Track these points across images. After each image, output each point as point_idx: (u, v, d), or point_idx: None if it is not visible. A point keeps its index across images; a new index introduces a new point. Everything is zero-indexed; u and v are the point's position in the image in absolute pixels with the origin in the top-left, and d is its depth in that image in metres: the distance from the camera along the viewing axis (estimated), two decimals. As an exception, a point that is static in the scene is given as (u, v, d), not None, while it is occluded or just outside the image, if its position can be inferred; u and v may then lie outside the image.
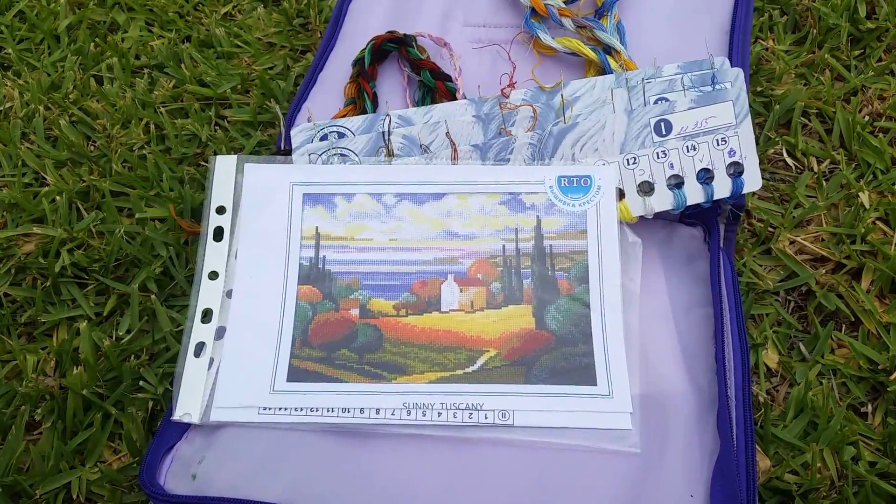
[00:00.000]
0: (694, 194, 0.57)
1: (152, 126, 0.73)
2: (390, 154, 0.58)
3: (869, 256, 0.60)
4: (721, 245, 0.59)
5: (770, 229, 0.62)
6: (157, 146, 0.71)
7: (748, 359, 0.52)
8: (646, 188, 0.57)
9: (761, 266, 0.61)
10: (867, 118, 0.69)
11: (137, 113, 0.74)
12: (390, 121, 0.59)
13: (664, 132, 0.57)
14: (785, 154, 0.67)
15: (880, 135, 0.68)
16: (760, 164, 0.66)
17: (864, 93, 0.71)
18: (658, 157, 0.57)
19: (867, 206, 0.63)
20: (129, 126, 0.73)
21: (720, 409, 0.49)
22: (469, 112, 0.59)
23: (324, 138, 0.59)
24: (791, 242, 0.62)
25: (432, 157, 0.58)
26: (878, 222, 0.62)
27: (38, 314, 0.61)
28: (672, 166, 0.57)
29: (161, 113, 0.73)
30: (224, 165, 0.57)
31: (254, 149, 0.70)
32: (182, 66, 0.77)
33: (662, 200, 0.57)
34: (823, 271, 0.61)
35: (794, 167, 0.67)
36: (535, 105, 0.58)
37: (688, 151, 0.57)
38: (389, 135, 0.58)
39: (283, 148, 0.62)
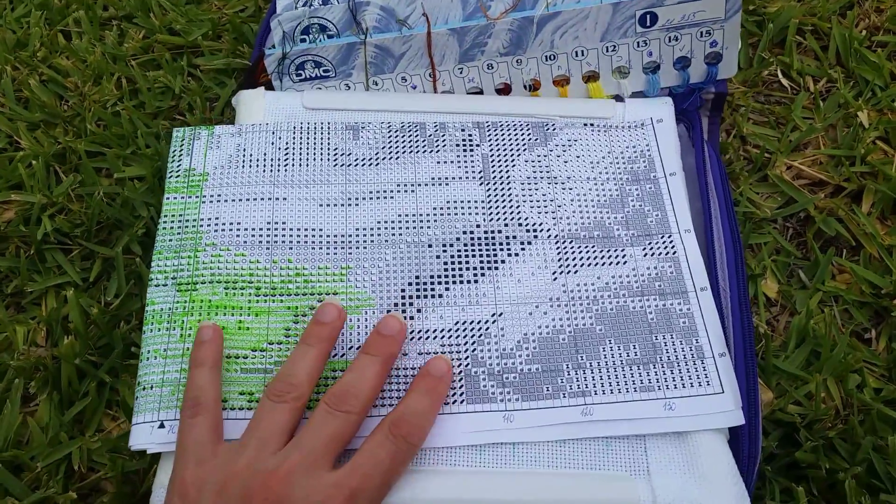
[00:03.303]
0: (668, 78, 0.58)
1: (124, 81, 0.70)
2: (364, 30, 0.56)
3: (869, 178, 0.59)
4: (706, 138, 0.58)
5: (766, 155, 0.61)
6: (131, 101, 0.69)
7: (746, 290, 0.51)
8: (622, 71, 0.58)
9: (758, 194, 0.60)
10: (864, 33, 0.66)
11: (109, 68, 0.71)
12: None
13: (649, 24, 0.56)
14: (780, 75, 0.65)
15: (878, 50, 0.65)
16: (755, 86, 0.64)
17: (861, 6, 0.68)
18: (638, 46, 0.57)
19: (866, 126, 0.61)
20: (100, 82, 0.70)
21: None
22: None
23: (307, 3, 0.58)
24: (788, 168, 0.60)
25: (411, 36, 0.56)
26: (878, 142, 0.61)
27: (25, 283, 0.60)
28: (651, 54, 0.57)
29: (132, 66, 0.71)
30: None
31: (229, 98, 0.67)
32: (151, 15, 0.74)
33: (637, 82, 0.58)
34: (822, 195, 0.59)
35: (789, 88, 0.65)
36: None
37: (669, 42, 0.57)
38: (367, 4, 0.56)
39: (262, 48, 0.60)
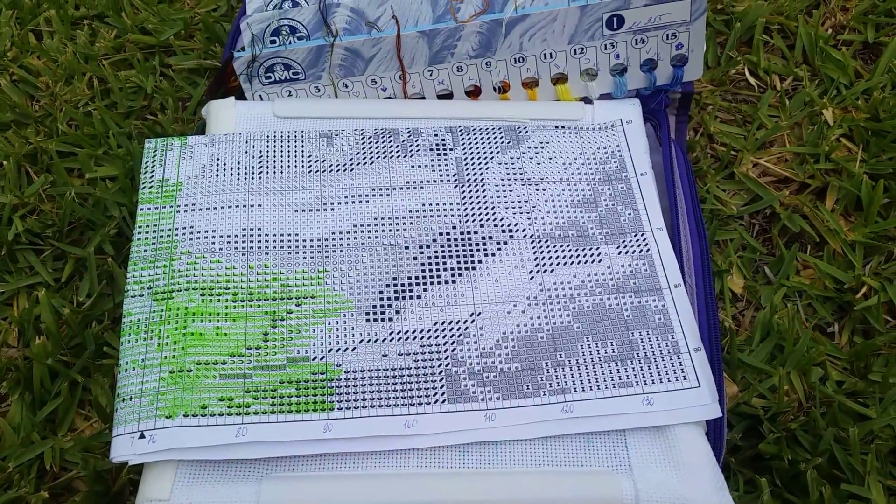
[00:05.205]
0: (635, 80, 0.59)
1: (96, 80, 0.70)
2: (333, 33, 0.57)
3: (833, 175, 0.60)
4: (673, 136, 0.59)
5: (733, 153, 0.62)
6: (103, 101, 0.69)
7: (712, 285, 0.52)
8: (590, 73, 0.59)
9: (725, 191, 0.60)
10: (830, 31, 0.67)
11: (80, 68, 0.71)
12: None
13: (616, 26, 0.57)
14: (747, 73, 0.66)
15: (843, 48, 0.66)
16: (722, 85, 0.65)
17: (827, 4, 0.69)
18: (605, 49, 0.58)
19: (831, 123, 0.62)
20: (72, 82, 0.70)
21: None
22: None
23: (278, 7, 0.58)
24: (754, 165, 0.61)
25: (381, 38, 0.57)
26: (842, 139, 0.62)
27: (-4, 284, 0.60)
28: (618, 56, 0.58)
29: (104, 66, 0.71)
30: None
31: (201, 98, 0.67)
32: (123, 14, 0.74)
33: (604, 84, 0.59)
34: (787, 192, 0.60)
35: (756, 87, 0.65)
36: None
37: (636, 44, 0.58)
38: (337, 6, 0.57)
39: (232, 50, 0.60)
